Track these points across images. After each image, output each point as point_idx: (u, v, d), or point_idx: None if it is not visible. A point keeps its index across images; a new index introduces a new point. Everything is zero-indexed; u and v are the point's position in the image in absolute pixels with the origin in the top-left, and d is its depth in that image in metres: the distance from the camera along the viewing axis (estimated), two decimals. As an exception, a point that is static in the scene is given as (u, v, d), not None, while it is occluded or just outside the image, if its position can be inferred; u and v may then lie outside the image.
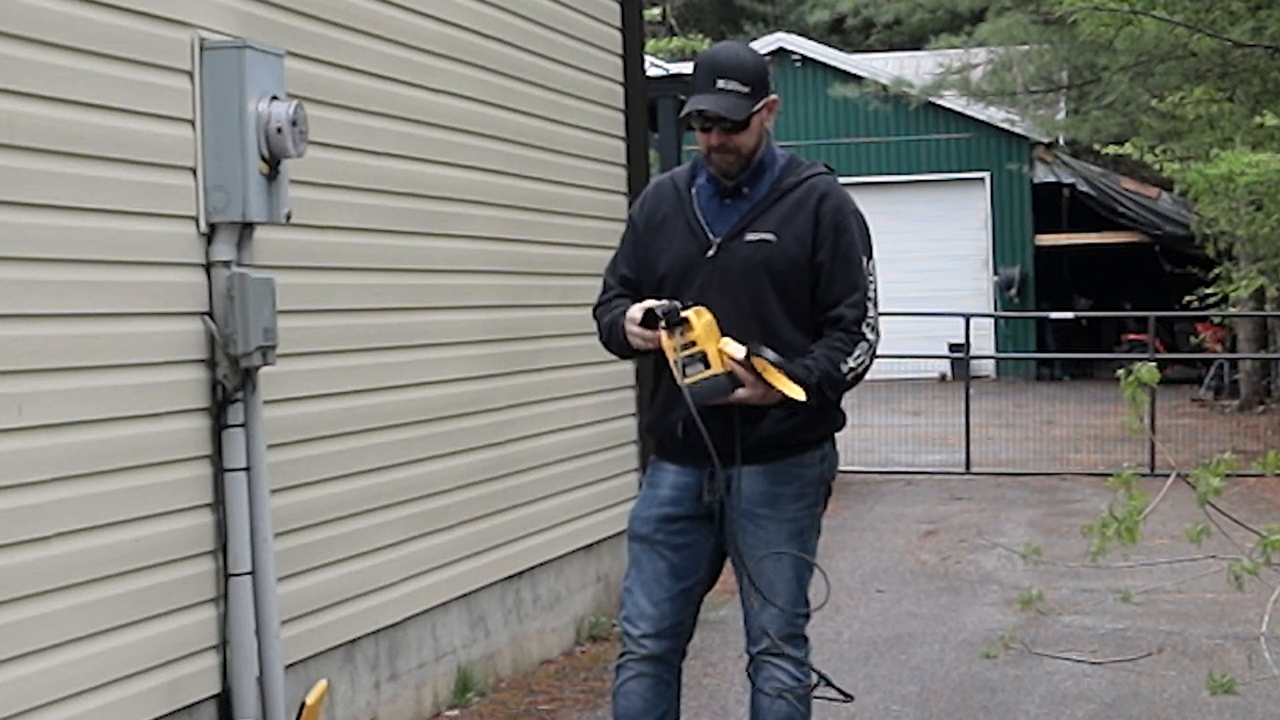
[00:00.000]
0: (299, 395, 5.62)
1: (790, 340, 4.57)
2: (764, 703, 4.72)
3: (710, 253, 4.64)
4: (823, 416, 4.68)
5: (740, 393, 4.46)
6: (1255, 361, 22.34)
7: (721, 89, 4.56)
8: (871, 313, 4.63)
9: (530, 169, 7.43)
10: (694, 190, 4.73)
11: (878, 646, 7.95)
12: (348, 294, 5.95)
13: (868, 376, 4.75)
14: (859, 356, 4.59)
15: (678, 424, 4.61)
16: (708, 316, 4.48)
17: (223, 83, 5.04)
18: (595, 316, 4.83)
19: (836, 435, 4.82)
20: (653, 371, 4.79)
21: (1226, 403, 22.66)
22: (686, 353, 4.45)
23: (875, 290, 4.68)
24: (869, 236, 4.75)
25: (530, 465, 7.22)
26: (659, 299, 4.57)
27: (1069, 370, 26.77)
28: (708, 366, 4.45)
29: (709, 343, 4.46)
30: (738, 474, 4.60)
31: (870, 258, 4.70)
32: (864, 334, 4.60)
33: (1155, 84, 19.07)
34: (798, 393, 4.44)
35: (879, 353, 4.71)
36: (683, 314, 4.44)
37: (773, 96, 4.66)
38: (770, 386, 4.43)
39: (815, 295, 4.63)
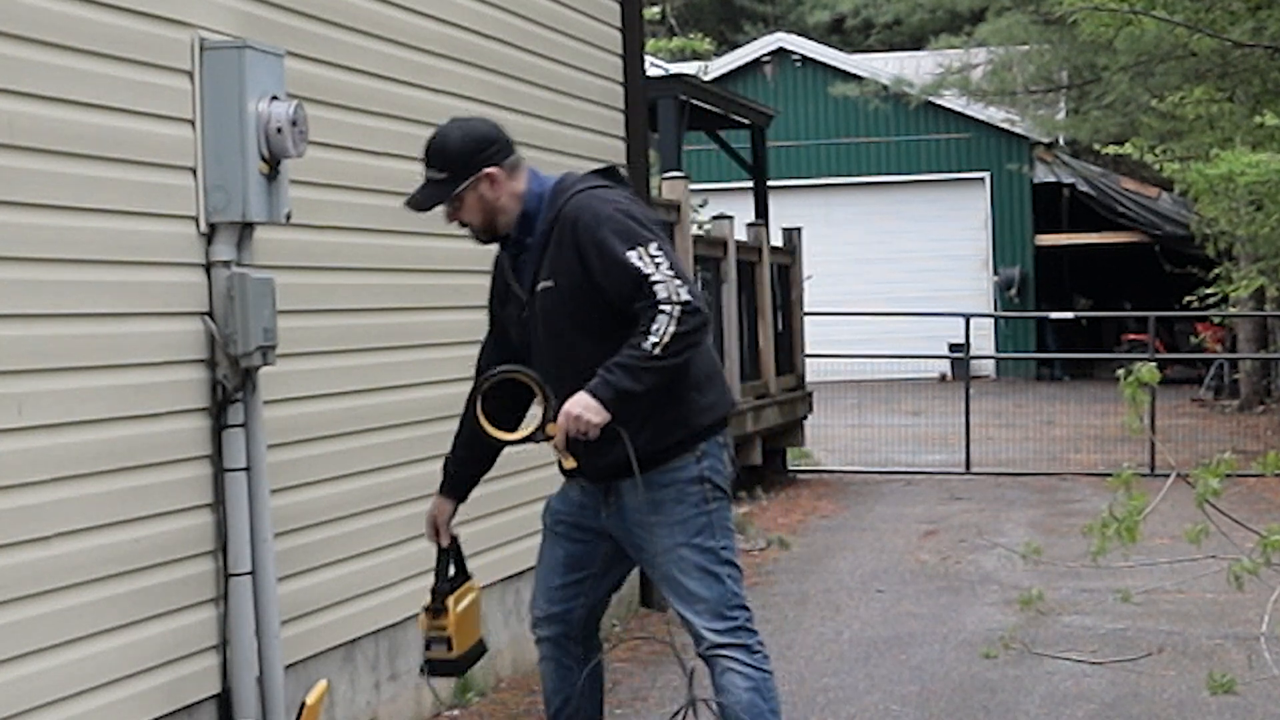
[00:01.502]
0: (299, 395, 5.62)
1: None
2: (723, 698, 4.83)
3: (524, 312, 4.83)
4: (678, 418, 4.74)
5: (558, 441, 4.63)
6: (1255, 361, 22.34)
7: (426, 179, 4.83)
8: (663, 290, 4.56)
9: (530, 169, 7.42)
10: (503, 254, 4.92)
11: (878, 646, 7.95)
12: (348, 294, 5.95)
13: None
14: (659, 327, 4.53)
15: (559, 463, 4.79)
16: (465, 604, 4.95)
17: (223, 83, 5.04)
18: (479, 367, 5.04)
19: (718, 438, 4.86)
20: None
21: (1226, 403, 22.67)
22: (434, 634, 4.98)
23: (660, 262, 4.59)
24: (632, 224, 4.68)
25: (530, 465, 7.21)
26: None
27: (1069, 370, 26.77)
28: (450, 650, 4.97)
29: (459, 634, 4.96)
30: (618, 491, 4.81)
31: (640, 244, 4.62)
32: (660, 310, 4.54)
33: (1155, 84, 19.06)
34: (569, 462, 4.69)
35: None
36: (446, 600, 4.96)
37: (485, 171, 4.74)
38: (577, 417, 4.57)
39: (616, 310, 4.66)
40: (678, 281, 4.57)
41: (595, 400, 4.55)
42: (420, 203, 4.84)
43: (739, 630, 4.82)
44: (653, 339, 4.53)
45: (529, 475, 7.21)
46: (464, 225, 4.86)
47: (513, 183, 4.80)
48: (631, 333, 4.58)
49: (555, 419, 4.62)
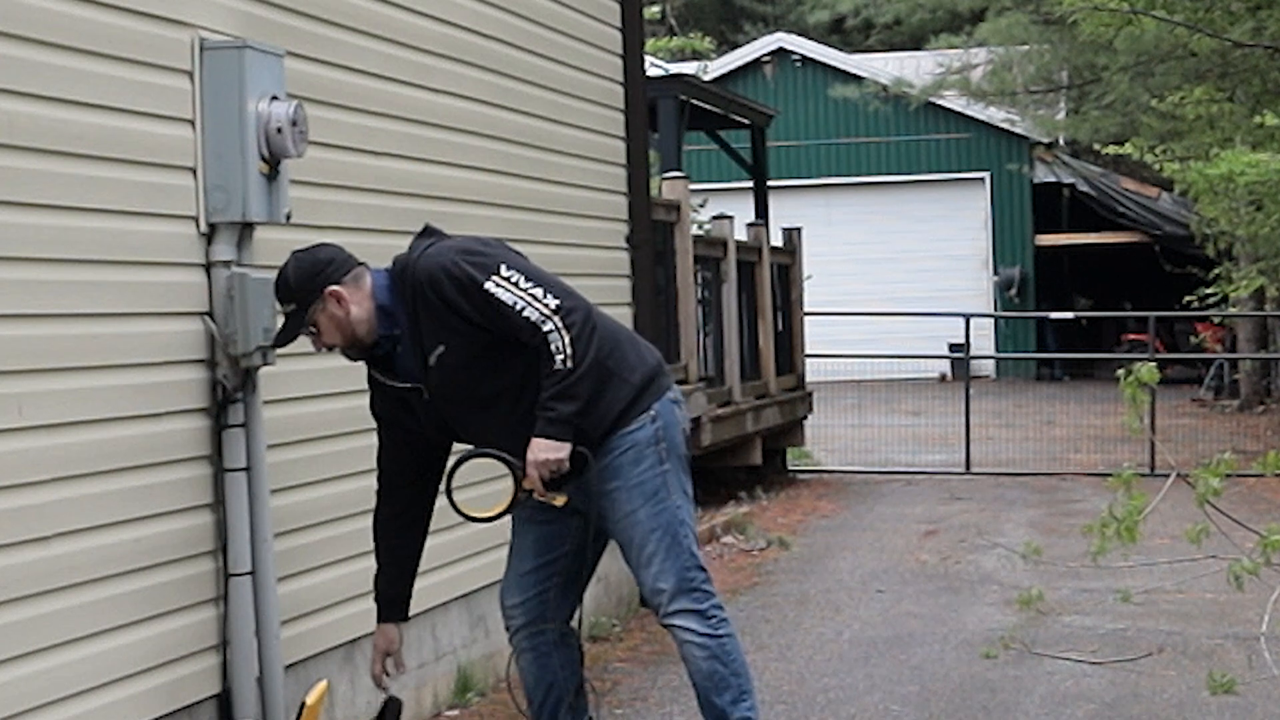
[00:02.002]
0: (299, 395, 5.62)
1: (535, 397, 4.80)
2: (687, 667, 5.03)
3: (426, 396, 4.88)
4: (611, 390, 4.88)
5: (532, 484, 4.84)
6: (1255, 361, 22.34)
7: (284, 317, 4.92)
8: (531, 312, 4.70)
9: (530, 169, 7.43)
10: (376, 375, 4.98)
11: (878, 646, 7.95)
12: (348, 294, 5.94)
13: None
14: (556, 346, 4.71)
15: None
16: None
17: (223, 83, 5.04)
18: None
19: (668, 395, 5.01)
20: None
21: (1226, 403, 22.66)
22: None
23: (515, 281, 4.73)
24: (473, 258, 4.79)
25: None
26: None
27: (1069, 370, 26.76)
28: None
29: None
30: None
31: (490, 273, 4.75)
32: (544, 331, 4.71)
33: (1155, 84, 19.06)
34: (560, 500, 4.91)
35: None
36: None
37: (327, 290, 4.82)
38: (542, 464, 4.79)
39: (509, 339, 4.78)
40: (539, 291, 4.73)
41: (549, 440, 4.77)
42: (282, 339, 4.96)
43: (694, 593, 4.98)
44: (559, 358, 4.71)
45: (529, 475, 7.20)
46: (331, 349, 4.95)
47: (359, 292, 4.87)
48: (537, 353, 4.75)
49: (525, 474, 4.85)
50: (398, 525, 5.11)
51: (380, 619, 5.15)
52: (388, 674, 5.16)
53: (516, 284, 4.73)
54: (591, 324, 4.79)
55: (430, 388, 4.87)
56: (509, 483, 4.89)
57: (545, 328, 4.70)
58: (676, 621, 5.00)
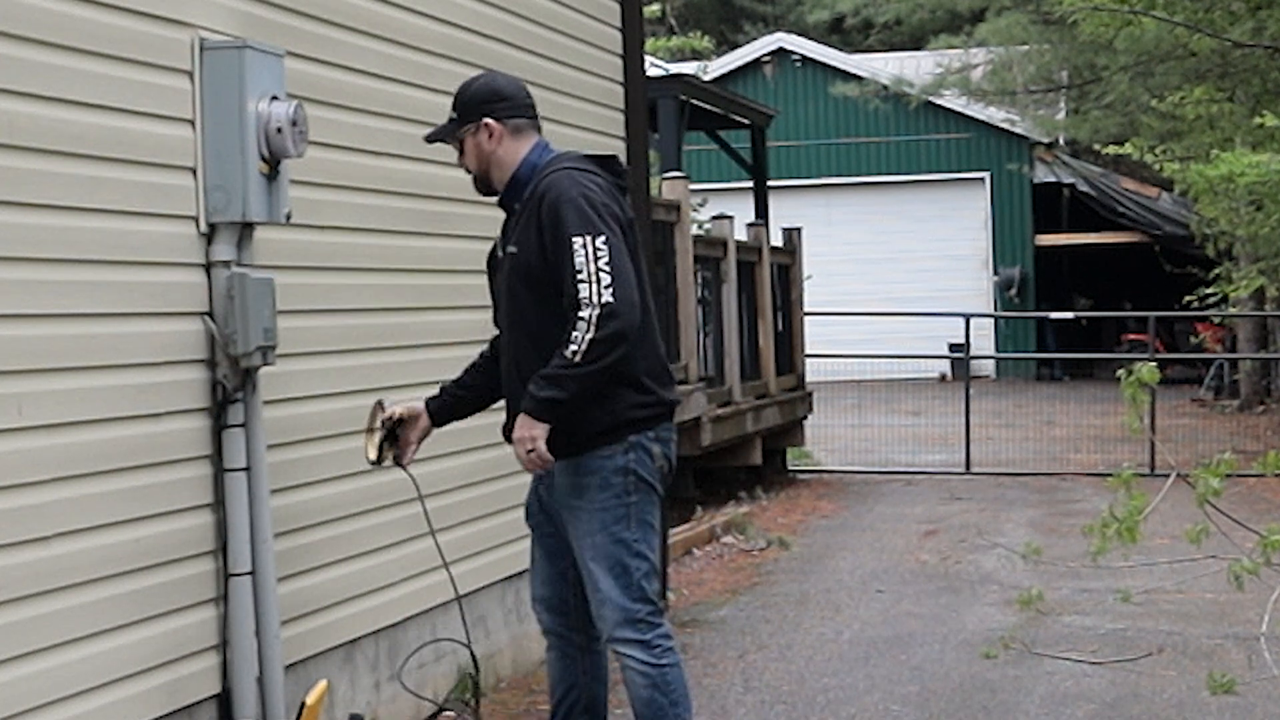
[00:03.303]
0: (299, 395, 5.62)
1: (547, 347, 4.86)
2: (629, 691, 5.06)
3: (500, 269, 5.10)
4: (607, 409, 4.91)
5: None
6: (1255, 361, 22.35)
7: (448, 117, 5.17)
8: (586, 289, 4.75)
9: (530, 169, 7.42)
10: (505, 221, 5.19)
11: (878, 646, 7.95)
12: (348, 294, 5.95)
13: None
14: (578, 335, 4.75)
15: (505, 428, 5.10)
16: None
17: (223, 83, 5.04)
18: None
19: (649, 433, 5.01)
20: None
21: (1226, 403, 22.67)
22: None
23: (600, 255, 4.78)
24: (590, 211, 4.86)
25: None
26: None
27: (1069, 370, 26.77)
28: None
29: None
30: (552, 472, 5.02)
31: (589, 232, 4.80)
32: (579, 315, 4.75)
33: (1155, 84, 19.07)
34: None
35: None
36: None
37: (483, 120, 5.04)
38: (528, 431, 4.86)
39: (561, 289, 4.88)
40: (607, 280, 4.75)
41: (525, 417, 4.85)
42: (432, 135, 5.23)
43: (639, 624, 5.00)
44: (572, 347, 4.76)
45: (529, 475, 7.20)
46: (467, 171, 5.16)
47: (513, 142, 5.07)
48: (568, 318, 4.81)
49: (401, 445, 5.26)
50: (481, 359, 5.37)
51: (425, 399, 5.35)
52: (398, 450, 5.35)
53: (598, 259, 4.77)
54: (623, 340, 4.77)
55: (502, 267, 5.09)
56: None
57: (582, 312, 4.74)
58: (619, 649, 5.03)
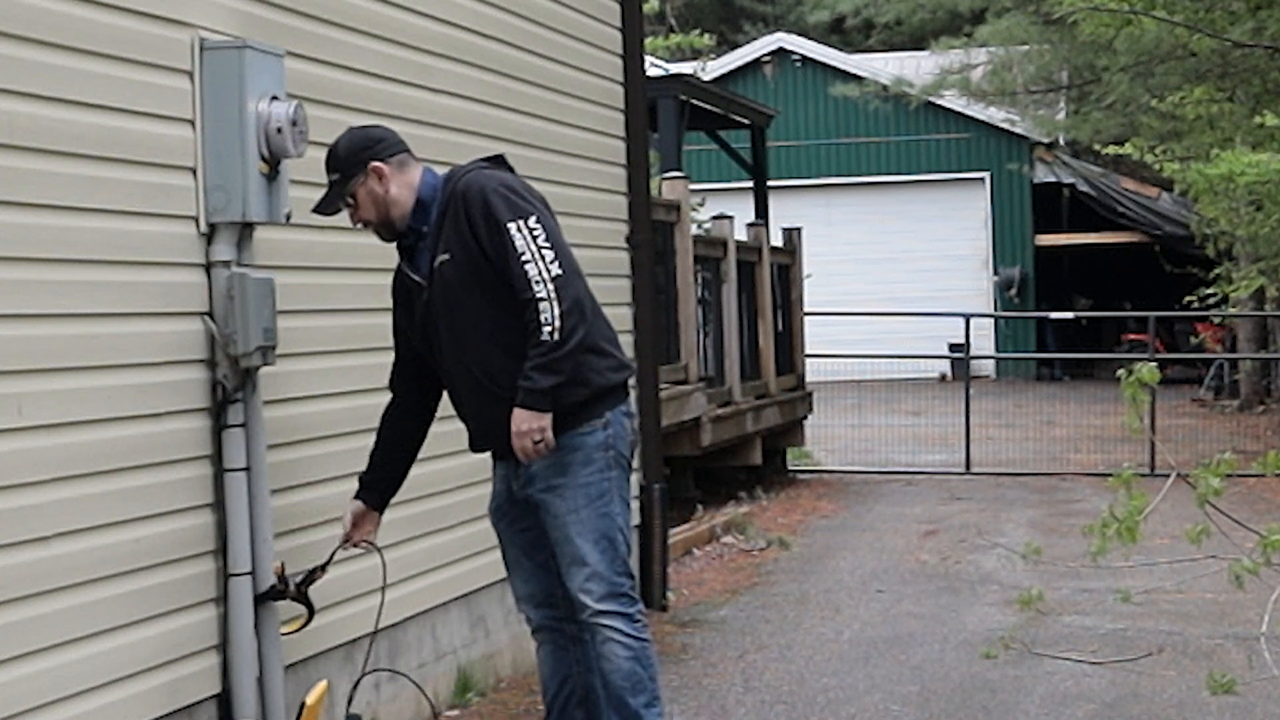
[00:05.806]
0: (299, 395, 5.62)
1: (511, 341, 4.94)
2: (604, 665, 5.12)
3: (424, 295, 5.09)
4: (578, 379, 4.99)
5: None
6: (1255, 361, 22.34)
7: (327, 185, 5.17)
8: (535, 269, 4.88)
9: (530, 169, 7.40)
10: (401, 263, 5.24)
11: (878, 646, 7.95)
12: (348, 294, 5.95)
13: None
14: (545, 315, 4.86)
15: (472, 439, 5.23)
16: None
17: (223, 83, 5.04)
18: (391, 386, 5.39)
19: (621, 407, 5.16)
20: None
21: (1226, 403, 22.66)
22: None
23: (535, 241, 4.91)
24: (514, 197, 5.00)
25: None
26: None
27: (1069, 370, 26.76)
28: None
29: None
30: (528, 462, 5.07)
31: (521, 216, 4.95)
32: (538, 296, 4.86)
33: (1155, 84, 19.06)
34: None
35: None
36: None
37: (369, 165, 5.08)
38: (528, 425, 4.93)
39: (506, 281, 4.96)
40: (550, 255, 4.89)
41: (527, 411, 4.91)
42: (323, 206, 5.20)
43: (622, 597, 5.12)
44: (547, 329, 4.86)
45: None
46: (366, 225, 5.19)
47: (403, 175, 5.15)
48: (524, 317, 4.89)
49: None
50: (396, 414, 5.37)
51: (355, 496, 5.38)
52: (355, 545, 5.39)
53: (536, 238, 4.90)
54: (582, 305, 4.93)
55: (429, 290, 5.08)
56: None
57: (538, 291, 4.85)
58: (604, 621, 5.11)
